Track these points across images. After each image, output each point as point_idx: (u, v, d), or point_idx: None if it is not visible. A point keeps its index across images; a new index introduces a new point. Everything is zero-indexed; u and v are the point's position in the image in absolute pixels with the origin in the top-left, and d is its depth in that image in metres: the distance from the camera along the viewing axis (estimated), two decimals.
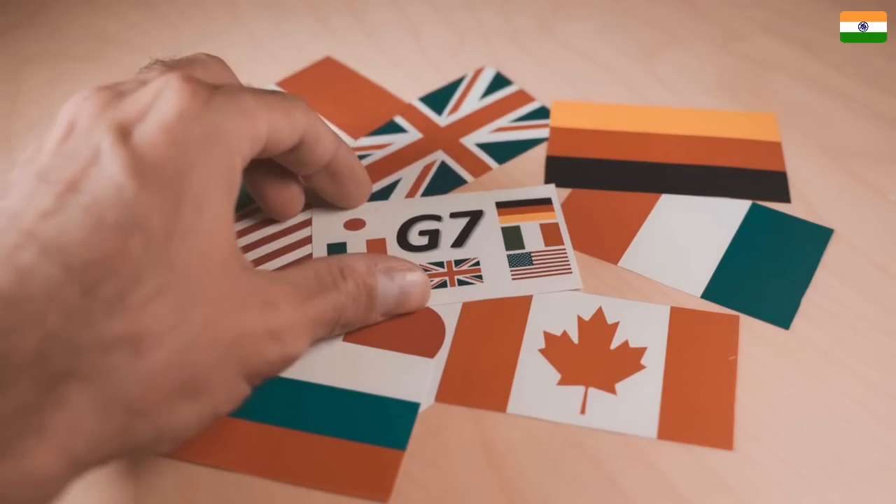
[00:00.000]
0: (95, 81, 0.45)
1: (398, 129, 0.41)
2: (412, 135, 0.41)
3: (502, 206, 0.36)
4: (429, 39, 0.48)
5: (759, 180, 0.38)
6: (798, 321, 0.32)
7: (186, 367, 0.23)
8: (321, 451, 0.28)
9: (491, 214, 0.36)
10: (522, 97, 0.43)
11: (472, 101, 0.43)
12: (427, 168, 0.39)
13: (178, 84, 0.25)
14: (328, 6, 0.51)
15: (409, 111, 0.42)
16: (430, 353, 0.31)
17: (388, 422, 0.29)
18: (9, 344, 0.20)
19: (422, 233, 0.35)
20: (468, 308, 0.33)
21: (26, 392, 0.20)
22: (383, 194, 0.37)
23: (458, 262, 0.34)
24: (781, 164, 0.39)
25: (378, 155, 0.39)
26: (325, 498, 0.28)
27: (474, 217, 0.36)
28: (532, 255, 0.34)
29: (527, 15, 0.49)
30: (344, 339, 0.32)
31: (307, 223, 0.36)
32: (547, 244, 0.35)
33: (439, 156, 0.40)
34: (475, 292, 0.33)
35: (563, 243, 0.35)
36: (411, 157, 0.39)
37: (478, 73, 0.44)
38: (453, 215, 0.36)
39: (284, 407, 0.30)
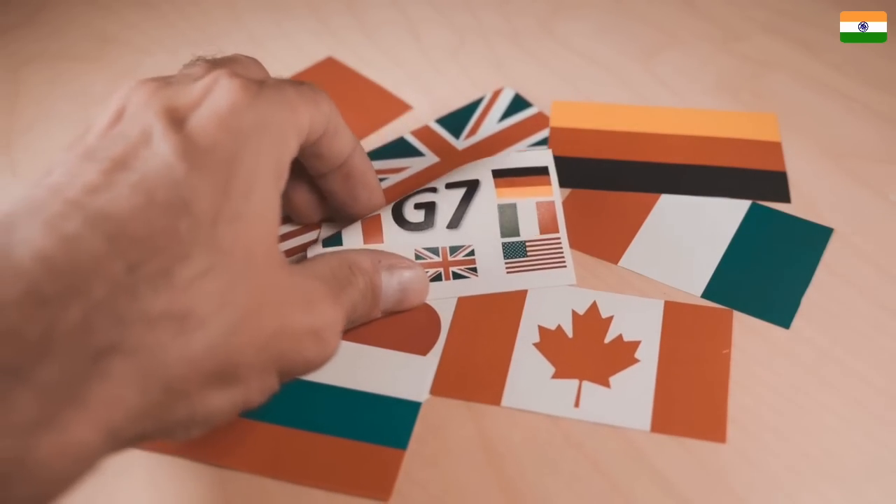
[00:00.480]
0: (95, 81, 0.45)
1: (415, 151, 0.40)
2: (429, 158, 0.40)
3: (499, 176, 0.34)
4: (429, 39, 0.48)
5: (759, 180, 0.38)
6: (798, 321, 0.32)
7: (227, 352, 0.23)
8: (322, 450, 0.28)
9: (487, 185, 0.34)
10: (542, 120, 0.42)
11: (491, 124, 0.41)
12: None
13: (228, 79, 0.25)
14: (328, 6, 0.51)
15: (425, 133, 0.41)
16: (426, 349, 0.31)
17: (388, 421, 0.29)
18: (53, 313, 0.19)
19: (418, 206, 0.34)
20: (463, 302, 0.33)
21: (70, 363, 0.20)
22: None
23: (452, 250, 0.33)
24: (781, 164, 0.39)
25: (394, 179, 0.39)
26: (326, 497, 0.28)
27: (471, 188, 0.34)
28: (527, 245, 0.34)
29: (527, 15, 0.49)
30: (343, 338, 0.32)
31: (316, 226, 0.36)
32: (542, 231, 0.34)
33: None
34: (470, 287, 0.33)
35: (558, 231, 0.34)
36: (428, 181, 0.38)
37: (496, 94, 0.43)
38: (449, 186, 0.34)
39: (285, 406, 0.30)
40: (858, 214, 0.36)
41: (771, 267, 0.34)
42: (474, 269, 0.33)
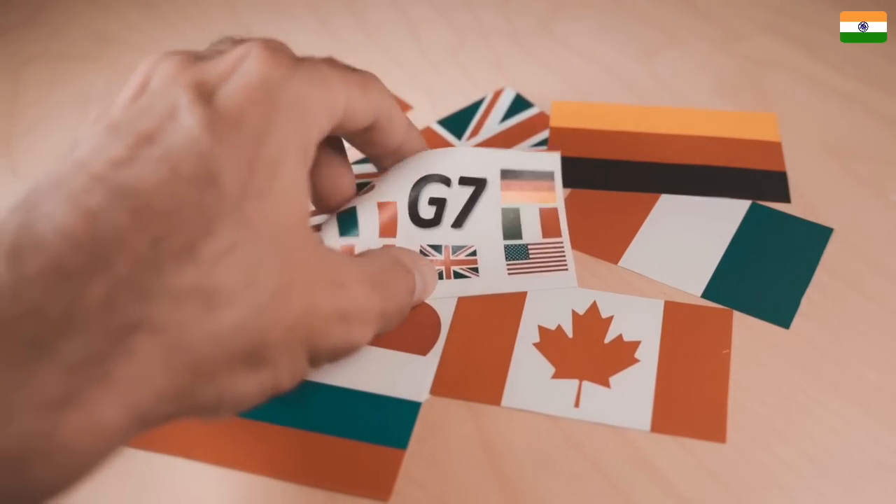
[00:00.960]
0: (96, 81, 0.45)
1: None
2: None
3: (506, 178, 0.35)
4: (429, 39, 0.48)
5: (758, 180, 0.38)
6: (797, 321, 0.32)
7: (255, 331, 0.22)
8: (322, 449, 0.28)
9: (494, 186, 0.34)
10: (543, 120, 0.42)
11: (493, 125, 0.41)
12: None
13: (261, 51, 0.24)
14: (328, 6, 0.51)
15: (427, 135, 0.41)
16: (426, 349, 0.31)
17: (388, 421, 0.29)
18: (76, 287, 0.19)
19: (431, 201, 0.33)
20: (463, 302, 0.33)
21: (94, 340, 0.19)
22: None
23: (455, 249, 0.33)
24: (781, 164, 0.39)
25: None
26: (326, 497, 0.28)
27: (479, 187, 0.34)
28: (529, 248, 0.34)
29: (527, 15, 0.49)
30: None
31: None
32: (545, 234, 0.34)
33: None
34: (470, 287, 0.33)
35: (560, 235, 0.35)
36: None
37: (497, 94, 0.43)
38: (463, 182, 0.34)
39: (285, 406, 0.30)
40: (858, 214, 0.36)
41: (771, 267, 0.34)
42: (475, 270, 0.33)
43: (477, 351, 0.31)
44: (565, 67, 0.45)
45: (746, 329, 0.32)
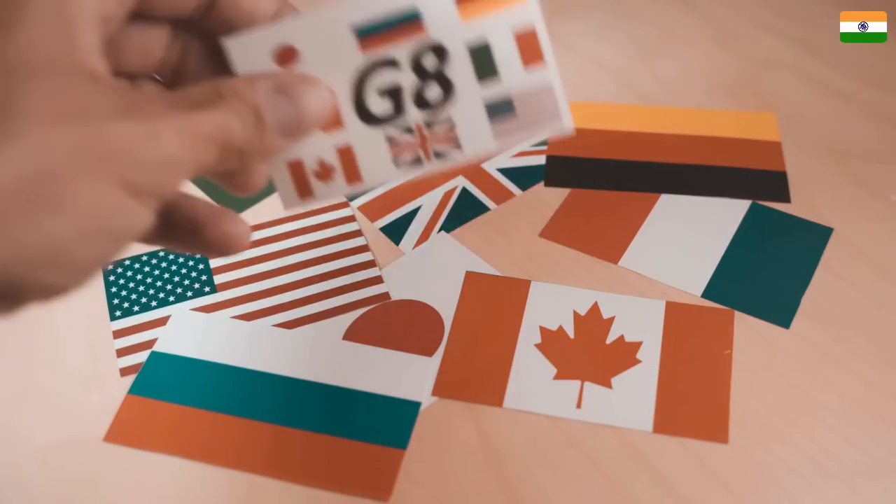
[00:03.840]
0: None
1: None
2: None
3: None
4: None
5: (758, 180, 0.38)
6: (797, 321, 0.32)
7: (19, 165, 0.20)
8: (322, 449, 0.28)
9: (450, 21, 0.25)
10: None
11: None
12: (448, 195, 0.38)
13: None
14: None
15: None
16: (430, 351, 0.31)
17: (389, 421, 0.29)
18: None
19: (382, 93, 0.27)
20: (464, 302, 0.33)
21: None
22: (404, 221, 0.37)
23: (428, 125, 0.27)
24: (781, 164, 0.39)
25: (396, 181, 0.39)
26: (326, 496, 0.28)
27: (439, 54, 0.25)
28: (514, 98, 0.25)
29: None
30: (344, 339, 0.32)
31: (321, 227, 0.36)
32: (526, 63, 0.27)
33: (460, 182, 0.39)
34: (454, 161, 0.26)
35: (543, 60, 0.26)
36: (431, 183, 0.38)
37: None
38: (414, 66, 0.26)
39: (285, 406, 0.30)
40: (858, 214, 0.36)
41: (771, 266, 0.34)
42: (457, 142, 0.27)
43: (478, 352, 0.31)
44: (565, 67, 0.45)
45: (747, 329, 0.32)
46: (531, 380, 0.30)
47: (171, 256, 0.35)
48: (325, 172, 0.27)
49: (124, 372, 0.32)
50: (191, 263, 0.35)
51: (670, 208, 0.37)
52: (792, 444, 0.28)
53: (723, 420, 0.29)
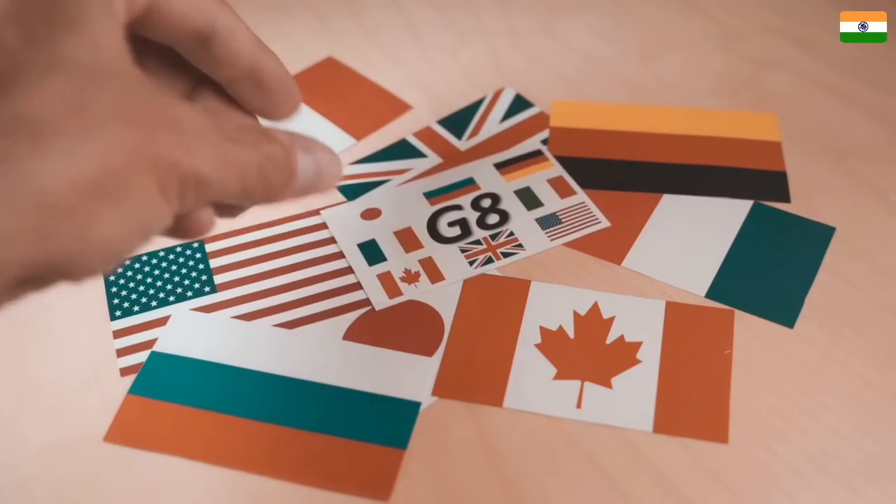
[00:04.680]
0: None
1: (417, 153, 0.40)
2: (431, 159, 0.40)
3: (501, 167, 0.39)
4: (429, 39, 0.48)
5: (759, 180, 0.38)
6: (798, 321, 0.32)
7: (95, 159, 0.21)
8: (322, 449, 0.28)
9: (497, 181, 0.38)
10: (543, 120, 0.42)
11: (492, 125, 0.41)
12: None
13: None
14: (328, 6, 0.51)
15: (427, 135, 0.41)
16: (430, 351, 0.31)
17: (389, 421, 0.29)
18: None
19: (451, 224, 0.36)
20: (464, 302, 0.33)
21: None
22: None
23: (494, 237, 0.36)
24: (781, 164, 0.39)
25: (397, 180, 0.39)
26: (326, 496, 0.28)
27: (494, 200, 0.37)
28: (558, 213, 0.37)
29: (527, 15, 0.49)
30: (344, 338, 0.32)
31: (321, 226, 0.36)
32: (563, 196, 0.37)
33: None
34: (520, 257, 0.35)
35: (576, 192, 0.37)
36: (432, 182, 0.38)
37: (497, 94, 0.43)
38: (475, 205, 0.37)
39: (286, 406, 0.30)
40: (858, 214, 0.36)
41: (774, 266, 0.34)
42: (520, 245, 0.35)
43: (478, 352, 0.31)
44: (565, 67, 0.45)
45: (747, 329, 0.32)
46: (531, 380, 0.30)
47: (171, 256, 0.35)
48: (410, 277, 0.34)
49: (124, 372, 0.32)
50: (191, 263, 0.35)
51: (673, 209, 0.37)
52: (792, 444, 0.28)
53: (723, 420, 0.29)
